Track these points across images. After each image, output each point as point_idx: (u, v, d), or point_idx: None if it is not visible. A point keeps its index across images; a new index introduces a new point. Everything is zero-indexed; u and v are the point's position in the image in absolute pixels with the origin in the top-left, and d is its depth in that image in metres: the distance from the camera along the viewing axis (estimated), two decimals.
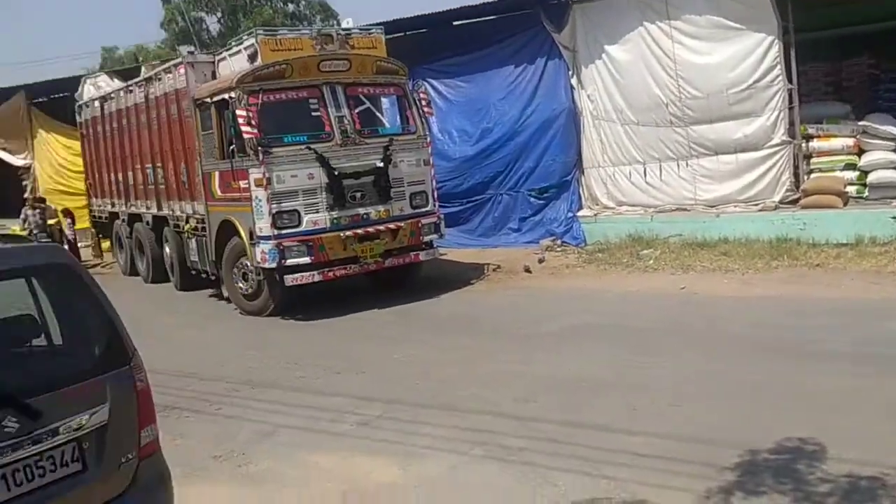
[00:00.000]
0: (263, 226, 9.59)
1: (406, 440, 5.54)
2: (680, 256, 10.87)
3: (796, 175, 11.49)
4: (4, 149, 20.71)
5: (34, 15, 74.27)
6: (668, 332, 7.84)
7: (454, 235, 13.03)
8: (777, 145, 11.31)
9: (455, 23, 14.62)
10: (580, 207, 13.11)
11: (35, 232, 14.54)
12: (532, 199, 13.38)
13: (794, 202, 11.32)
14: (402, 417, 6.02)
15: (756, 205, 11.46)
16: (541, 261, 11.93)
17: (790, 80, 11.23)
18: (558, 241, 12.73)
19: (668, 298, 9.26)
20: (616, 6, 12.35)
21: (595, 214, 12.91)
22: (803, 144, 11.53)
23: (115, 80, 16.46)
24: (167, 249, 12.93)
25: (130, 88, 13.33)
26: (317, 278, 9.82)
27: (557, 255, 12.21)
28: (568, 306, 9.42)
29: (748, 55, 11.22)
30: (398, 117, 11.30)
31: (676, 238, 11.56)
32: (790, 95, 11.25)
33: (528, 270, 11.57)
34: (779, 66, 11.10)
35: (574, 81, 13.00)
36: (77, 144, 17.24)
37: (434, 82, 13.92)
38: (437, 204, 11.01)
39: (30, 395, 3.20)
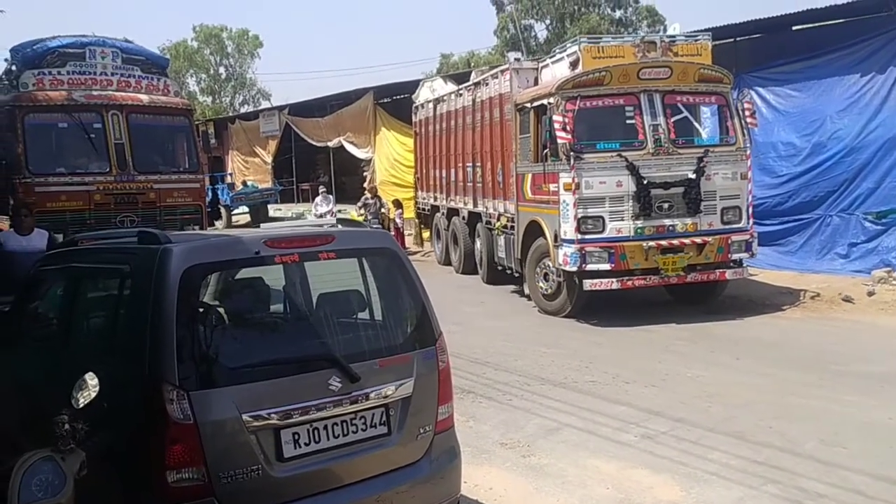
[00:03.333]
0: (568, 229, 9.81)
1: (690, 462, 5.35)
2: None
3: None
4: (352, 142, 23.67)
5: (384, 23, 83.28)
6: None
7: (769, 255, 12.13)
8: None
9: (794, 27, 13.53)
10: None
11: (369, 218, 16.37)
12: (867, 224, 11.94)
13: None
14: (689, 438, 5.82)
15: None
16: (870, 293, 10.62)
17: None
18: (894, 274, 11.20)
19: None
20: None
21: None
22: None
23: (449, 83, 17.88)
24: (478, 244, 13.79)
25: (460, 92, 14.42)
26: (615, 286, 9.80)
27: (891, 290, 10.76)
28: None
29: None
30: (718, 127, 10.80)
31: None
32: None
33: (848, 300, 10.41)
34: None
35: None
36: (410, 141, 19.05)
37: (761, 90, 13.04)
38: (751, 221, 10.34)
39: (352, 360, 3.70)
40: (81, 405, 3.16)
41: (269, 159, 29.12)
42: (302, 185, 28.82)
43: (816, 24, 13.28)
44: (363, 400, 3.69)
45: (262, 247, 3.67)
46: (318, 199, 19.30)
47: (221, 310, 3.99)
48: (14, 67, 10.70)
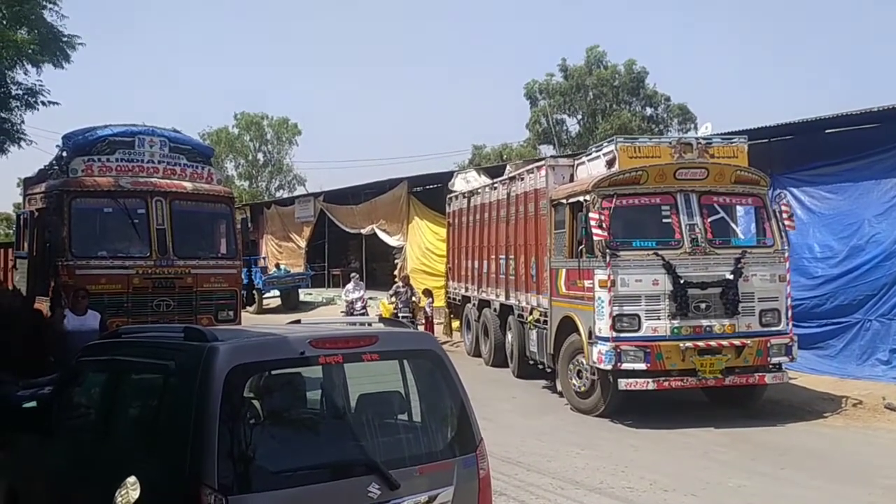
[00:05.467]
0: (603, 326, 9.71)
1: None
2: None
3: None
4: (384, 230, 23.99)
5: (418, 114, 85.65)
6: None
7: (808, 359, 11.83)
8: None
9: (827, 131, 13.64)
10: None
11: (400, 307, 16.38)
12: None
13: None
14: None
15: None
16: None
17: None
18: None
19: None
20: None
21: None
22: None
23: (482, 175, 18.17)
24: (509, 337, 13.68)
25: (495, 185, 14.62)
26: (651, 386, 9.60)
27: None
28: None
29: None
30: (754, 228, 10.77)
31: None
32: None
33: (891, 408, 10.06)
34: None
35: None
36: (442, 231, 19.24)
37: (796, 192, 13.02)
38: (790, 324, 10.16)
39: (392, 466, 3.62)
40: None
41: (302, 244, 29.57)
42: (333, 271, 29.12)
43: (849, 128, 13.37)
44: None
45: (308, 347, 3.67)
46: (349, 285, 19.41)
47: (258, 405, 3.95)
48: (65, 154, 11.13)
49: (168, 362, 3.77)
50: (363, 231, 25.31)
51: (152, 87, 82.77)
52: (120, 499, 3.14)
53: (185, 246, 10.95)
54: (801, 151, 13.71)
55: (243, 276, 11.69)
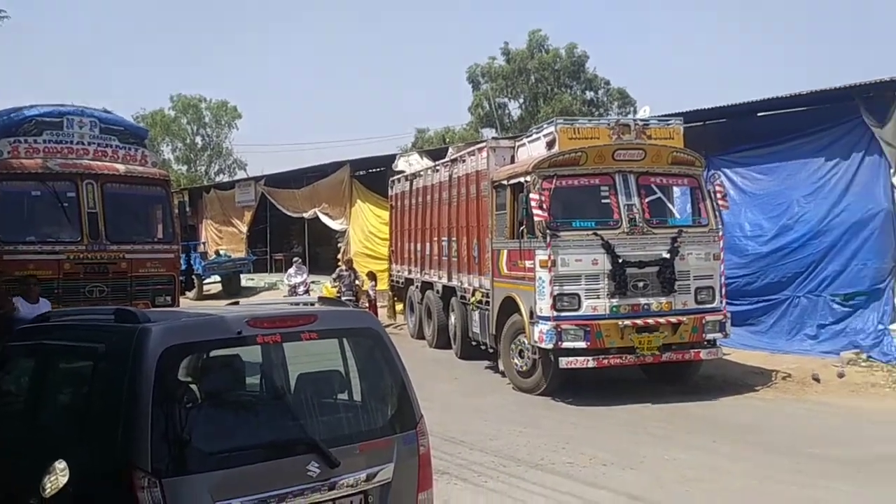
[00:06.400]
0: (544, 306, 9.83)
1: None
2: None
3: None
4: (327, 214, 23.79)
5: (360, 97, 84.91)
6: None
7: (740, 335, 12.20)
8: None
9: (759, 114, 14.03)
10: (894, 320, 11.60)
11: (343, 290, 16.28)
12: (835, 306, 12.13)
13: None
14: None
15: None
16: (840, 375, 10.72)
17: None
18: (863, 356, 11.34)
19: None
20: None
21: None
22: None
23: (425, 158, 18.14)
24: (452, 318, 13.74)
25: (437, 168, 14.61)
26: (591, 364, 9.78)
27: (861, 371, 10.88)
28: (872, 432, 8.36)
29: None
30: (690, 208, 11.03)
31: None
32: None
33: (816, 379, 10.52)
34: None
35: None
36: (385, 214, 19.17)
37: (729, 173, 13.38)
38: (724, 301, 10.46)
39: (331, 444, 3.61)
40: (49, 494, 3.03)
41: (243, 229, 29.11)
42: (276, 255, 28.76)
43: (780, 112, 13.78)
44: (342, 487, 3.59)
45: (245, 326, 3.62)
46: (291, 269, 19.21)
47: (195, 388, 3.89)
48: None
49: (98, 345, 3.67)
50: (305, 215, 25.05)
51: (80, 66, 79.90)
52: (49, 485, 3.05)
53: (119, 230, 10.66)
54: (734, 134, 14.09)
55: (181, 262, 11.45)
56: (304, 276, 19.20)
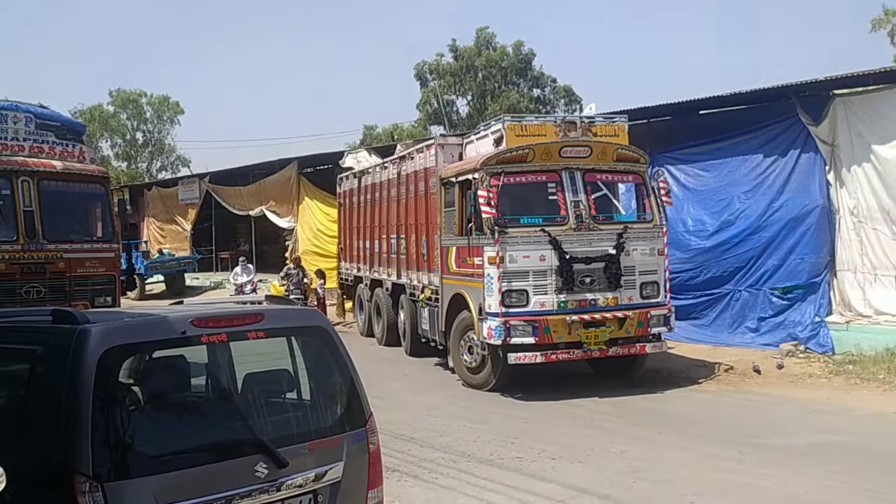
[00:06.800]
0: (492, 303, 9.88)
1: None
2: None
3: None
4: (274, 211, 23.50)
5: (307, 94, 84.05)
6: None
7: (684, 329, 12.49)
8: None
9: (701, 112, 14.35)
10: (829, 313, 12.00)
11: (291, 288, 16.11)
12: (774, 299, 12.48)
13: None
14: None
15: None
16: (779, 366, 11.05)
17: None
18: (801, 347, 11.71)
19: None
20: (887, 100, 11.40)
21: (847, 322, 11.73)
22: None
23: (373, 155, 18.07)
24: (402, 316, 13.72)
25: (385, 165, 14.56)
26: (539, 359, 9.87)
27: (799, 363, 11.23)
28: (809, 420, 8.63)
29: None
30: (635, 204, 11.21)
31: None
32: None
33: (757, 371, 10.83)
34: None
35: (830, 177, 12.09)
36: (334, 212, 19.03)
37: (672, 169, 13.65)
38: (668, 296, 10.67)
39: (279, 444, 3.56)
40: None
41: (187, 227, 28.56)
42: (221, 254, 28.27)
43: (721, 110, 14.12)
44: (291, 487, 3.55)
45: (189, 326, 3.54)
46: (237, 268, 18.92)
47: (138, 390, 3.79)
48: None
49: (36, 347, 3.54)
50: (252, 213, 24.69)
51: (13, 62, 77.25)
52: None
53: (56, 228, 10.33)
54: (677, 131, 14.39)
55: (122, 261, 11.15)
56: (251, 275, 18.95)
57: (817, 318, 11.93)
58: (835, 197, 12.09)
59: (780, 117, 12.67)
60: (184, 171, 46.18)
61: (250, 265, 19.66)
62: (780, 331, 12.25)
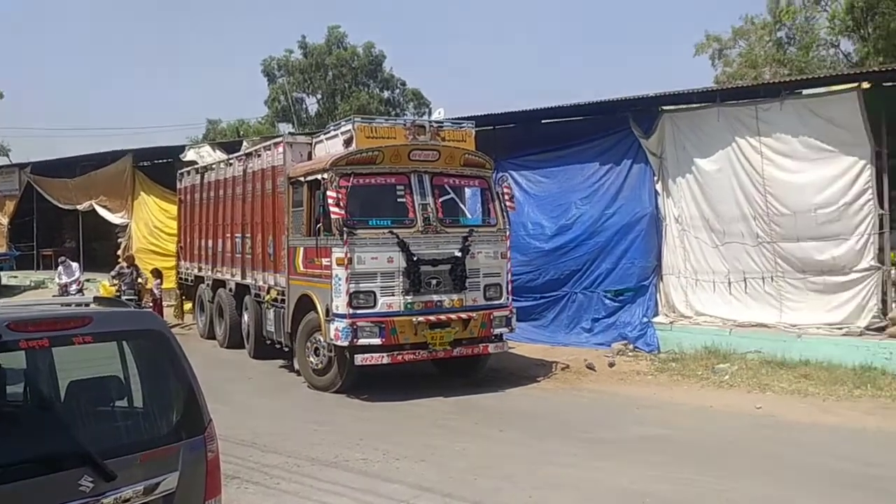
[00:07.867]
0: (340, 304, 9.81)
1: None
2: (757, 374, 10.50)
3: (884, 302, 11.12)
4: (105, 206, 22.06)
5: (147, 86, 79.63)
6: (740, 453, 7.54)
7: (525, 330, 12.96)
8: (865, 270, 10.98)
9: (544, 121, 14.97)
10: (656, 313, 12.90)
11: (124, 289, 15.19)
12: (607, 301, 13.25)
13: (881, 329, 10.86)
14: None
15: (840, 329, 11.05)
16: (611, 364, 11.73)
17: (881, 206, 11.00)
18: (630, 346, 12.50)
19: (743, 418, 8.94)
20: (707, 117, 12.43)
21: (671, 322, 12.67)
22: (892, 271, 11.18)
23: (217, 151, 17.41)
24: (246, 317, 13.31)
25: (231, 162, 14.06)
26: (385, 360, 9.90)
27: (628, 361, 11.98)
28: (636, 415, 9.21)
29: (839, 177, 11.07)
30: (480, 208, 11.51)
31: (755, 355, 11.18)
32: (881, 221, 11.01)
33: (591, 369, 11.43)
34: (870, 191, 10.91)
35: (658, 187, 13.01)
36: (173, 208, 18.15)
37: (516, 175, 14.11)
38: (510, 297, 11.04)
39: (107, 455, 3.34)
40: None
41: (4, 221, 26.26)
42: (44, 251, 26.15)
43: (562, 120, 14.82)
44: (118, 501, 3.34)
45: (5, 330, 3.25)
46: (59, 268, 17.59)
47: None
48: None
49: None
50: (80, 207, 23.02)
51: None
52: None
53: None
54: (521, 138, 14.93)
55: None
56: (74, 274, 17.66)
57: (645, 319, 12.79)
58: (662, 205, 13.01)
59: (615, 129, 13.48)
60: (1, 161, 42.33)
61: (73, 263, 18.26)
62: (612, 331, 13.01)
